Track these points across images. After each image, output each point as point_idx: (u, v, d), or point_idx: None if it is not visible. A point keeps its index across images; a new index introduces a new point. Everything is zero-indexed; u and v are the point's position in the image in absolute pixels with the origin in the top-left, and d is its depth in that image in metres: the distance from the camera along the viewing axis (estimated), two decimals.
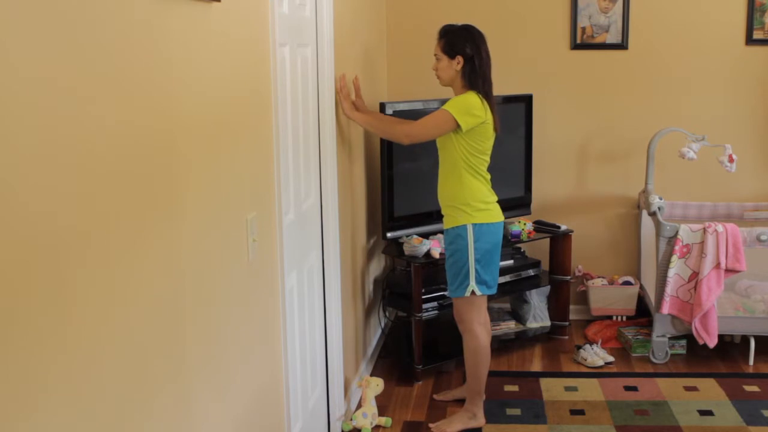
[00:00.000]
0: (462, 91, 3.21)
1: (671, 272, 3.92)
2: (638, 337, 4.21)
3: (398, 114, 3.72)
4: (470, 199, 3.20)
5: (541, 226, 4.39)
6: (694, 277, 3.90)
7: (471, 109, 3.11)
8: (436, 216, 3.37)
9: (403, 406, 3.62)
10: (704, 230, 3.86)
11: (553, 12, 4.54)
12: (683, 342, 4.16)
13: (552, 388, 3.77)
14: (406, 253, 3.84)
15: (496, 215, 3.26)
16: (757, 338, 4.05)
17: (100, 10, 1.31)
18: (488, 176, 3.26)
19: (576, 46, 4.55)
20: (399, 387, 3.82)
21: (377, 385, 3.41)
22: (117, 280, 1.38)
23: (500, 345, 4.26)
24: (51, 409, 1.18)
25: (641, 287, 4.49)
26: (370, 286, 4.07)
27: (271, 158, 2.34)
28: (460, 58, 3.18)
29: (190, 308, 1.73)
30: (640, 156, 4.51)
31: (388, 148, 3.82)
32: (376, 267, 4.26)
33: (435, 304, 3.89)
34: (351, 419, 3.35)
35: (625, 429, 3.36)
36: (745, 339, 4.17)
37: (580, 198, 4.69)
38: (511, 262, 4.26)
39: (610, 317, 4.53)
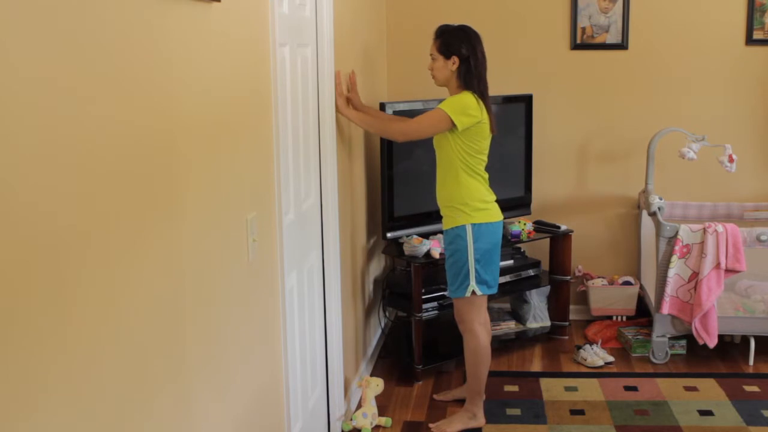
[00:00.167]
0: (457, 91, 3.21)
1: (671, 272, 3.92)
2: (638, 337, 4.21)
3: (398, 114, 3.72)
4: (468, 199, 3.20)
5: (541, 226, 4.40)
6: (694, 277, 3.90)
7: (466, 109, 3.11)
8: (436, 216, 3.37)
9: (403, 406, 3.62)
10: (704, 230, 3.86)
11: (553, 12, 4.54)
12: (683, 342, 4.16)
13: (552, 388, 3.77)
14: (406, 253, 3.84)
15: (495, 215, 3.26)
16: (757, 338, 4.05)
17: (100, 10, 1.31)
18: (486, 176, 3.27)
19: (576, 46, 4.55)
20: (399, 387, 3.82)
21: (377, 385, 3.41)
22: (117, 280, 1.38)
23: (500, 345, 4.26)
24: (51, 409, 1.18)
25: (641, 287, 4.49)
26: (370, 286, 4.07)
27: (271, 158, 2.34)
28: (455, 59, 3.18)
29: (190, 308, 1.73)
30: (640, 156, 4.51)
31: (388, 147, 3.82)
32: (376, 267, 4.26)
33: (435, 304, 3.89)
34: (351, 419, 3.35)
35: (625, 429, 3.36)
36: (745, 339, 4.17)
37: (580, 198, 4.69)
38: (511, 262, 4.26)
39: (610, 317, 4.53)
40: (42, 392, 1.16)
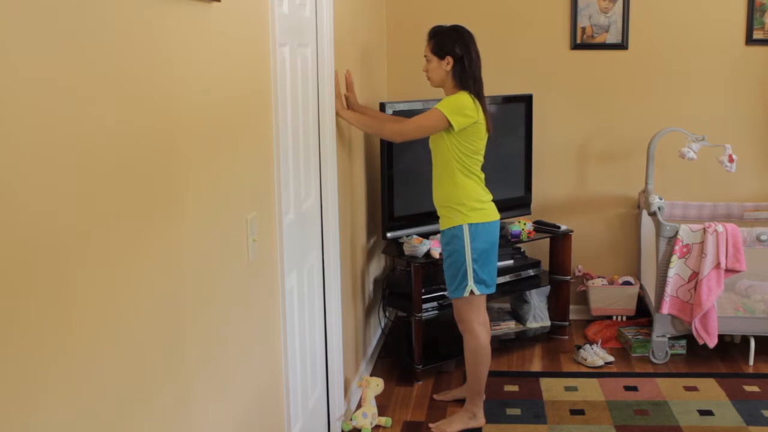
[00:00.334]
0: (453, 92, 3.21)
1: (671, 272, 3.92)
2: (638, 337, 4.21)
3: (398, 114, 3.72)
4: (465, 199, 3.20)
5: (541, 226, 4.39)
6: (694, 277, 3.90)
7: (463, 109, 3.11)
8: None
9: (403, 406, 3.62)
10: (704, 230, 3.86)
11: (553, 12, 4.54)
12: (683, 342, 4.16)
13: (552, 388, 3.77)
14: (406, 253, 3.84)
15: (492, 214, 3.26)
16: (757, 338, 4.05)
17: (100, 10, 1.31)
18: (482, 175, 3.27)
19: (576, 46, 4.55)
20: (399, 387, 3.82)
21: (377, 385, 3.41)
22: (117, 280, 1.38)
23: (500, 345, 4.26)
24: (51, 409, 1.18)
25: (641, 287, 4.49)
26: (370, 286, 4.07)
27: (271, 158, 2.34)
28: (449, 59, 3.18)
29: (190, 308, 1.73)
30: (640, 156, 4.51)
31: (388, 148, 3.82)
32: (376, 267, 4.26)
33: (435, 304, 3.89)
34: (351, 419, 3.35)
35: (625, 429, 3.36)
36: (745, 339, 4.17)
37: (580, 198, 4.69)
38: (511, 262, 4.26)
39: (610, 317, 4.53)
40: (42, 392, 1.16)
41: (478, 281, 3.25)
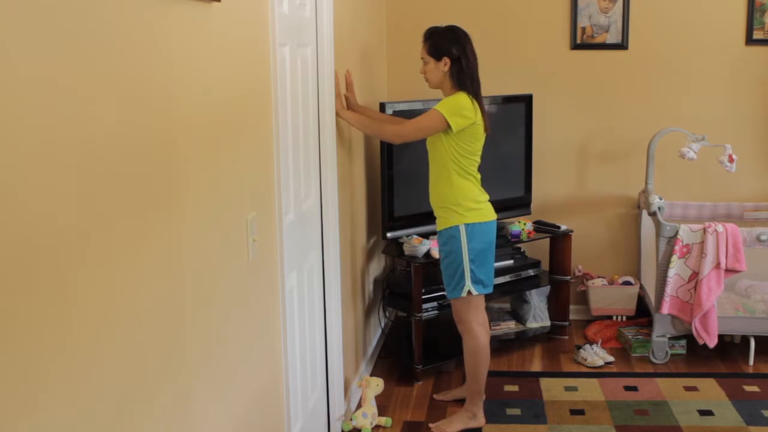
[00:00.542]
0: (451, 92, 3.21)
1: (671, 272, 3.92)
2: (638, 337, 4.21)
3: (398, 114, 3.72)
4: (461, 200, 3.20)
5: (541, 226, 4.39)
6: (694, 277, 3.90)
7: (461, 110, 3.11)
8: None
9: (403, 406, 3.62)
10: (704, 230, 3.86)
11: (553, 12, 4.54)
12: (683, 342, 4.16)
13: (552, 388, 3.77)
14: (406, 253, 3.84)
15: (489, 214, 3.26)
16: (757, 338, 4.05)
17: (100, 10, 1.31)
18: (479, 176, 3.27)
19: (576, 46, 4.55)
20: (399, 387, 3.82)
21: (377, 385, 3.42)
22: (117, 280, 1.38)
23: (500, 345, 4.26)
24: (51, 409, 1.18)
25: (641, 287, 4.49)
26: (370, 286, 4.07)
27: (271, 158, 2.34)
28: (446, 60, 3.18)
29: (190, 308, 1.73)
30: (640, 156, 4.51)
31: (388, 148, 3.82)
32: (376, 267, 4.26)
33: (435, 304, 3.89)
34: (351, 419, 3.35)
35: (625, 429, 3.36)
36: (745, 339, 4.17)
37: (580, 198, 4.69)
38: (511, 262, 4.26)
39: (610, 317, 4.53)
40: (42, 392, 1.16)
41: (476, 281, 3.25)
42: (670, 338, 4.08)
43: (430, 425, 3.41)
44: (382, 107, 3.77)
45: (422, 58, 3.26)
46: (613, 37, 4.52)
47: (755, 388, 3.74)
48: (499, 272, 4.04)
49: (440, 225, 3.29)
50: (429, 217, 3.51)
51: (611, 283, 4.54)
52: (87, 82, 1.27)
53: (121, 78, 1.39)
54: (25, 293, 1.11)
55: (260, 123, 2.24)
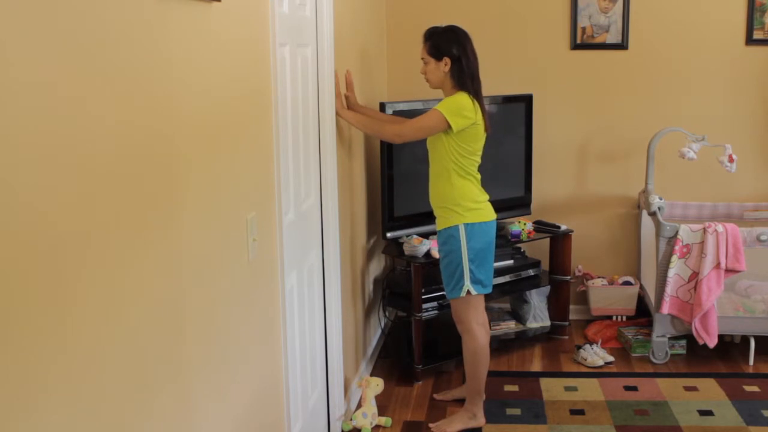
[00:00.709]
0: (452, 92, 3.21)
1: (671, 272, 3.92)
2: (638, 337, 4.21)
3: (398, 114, 3.72)
4: (461, 199, 3.20)
5: (541, 226, 4.40)
6: (694, 277, 3.90)
7: (462, 110, 3.11)
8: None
9: (403, 406, 3.62)
10: (704, 230, 3.86)
11: (553, 12, 4.54)
12: (683, 342, 4.16)
13: (552, 388, 3.77)
14: (406, 253, 3.84)
15: (488, 214, 3.26)
16: (757, 338, 4.05)
17: (100, 11, 1.31)
18: (478, 176, 3.27)
19: (576, 46, 4.55)
20: (399, 387, 3.82)
21: (377, 385, 3.42)
22: (117, 280, 1.38)
23: (500, 345, 4.26)
24: (51, 409, 1.18)
25: (641, 287, 4.49)
26: (370, 286, 4.07)
27: (271, 158, 2.34)
28: (447, 60, 3.18)
29: (190, 308, 1.73)
30: (640, 156, 4.51)
31: (388, 147, 3.82)
32: (376, 267, 4.26)
33: (435, 304, 3.89)
34: (351, 419, 3.35)
35: (625, 429, 3.36)
36: (745, 339, 4.17)
37: (580, 198, 4.69)
38: (511, 262, 4.26)
39: (610, 317, 4.53)
40: (42, 392, 1.16)
41: (475, 281, 3.25)
42: (670, 338, 4.08)
43: (430, 425, 3.41)
44: (382, 107, 3.77)
45: (422, 59, 3.26)
46: (613, 37, 4.52)
47: (755, 388, 3.74)
48: (499, 272, 4.04)
49: (440, 225, 3.29)
50: (429, 217, 3.51)
51: (611, 283, 4.54)
52: (87, 82, 1.27)
53: (121, 78, 1.39)
54: (25, 293, 1.11)
55: (260, 123, 2.24)
